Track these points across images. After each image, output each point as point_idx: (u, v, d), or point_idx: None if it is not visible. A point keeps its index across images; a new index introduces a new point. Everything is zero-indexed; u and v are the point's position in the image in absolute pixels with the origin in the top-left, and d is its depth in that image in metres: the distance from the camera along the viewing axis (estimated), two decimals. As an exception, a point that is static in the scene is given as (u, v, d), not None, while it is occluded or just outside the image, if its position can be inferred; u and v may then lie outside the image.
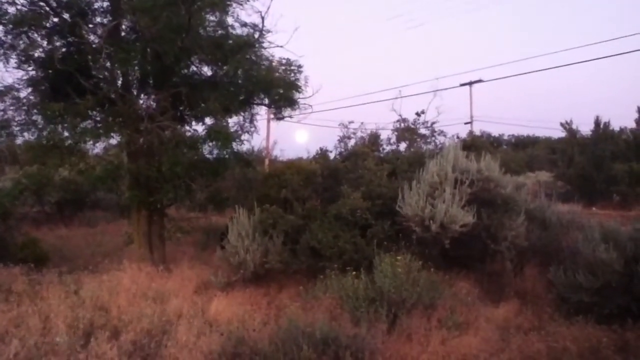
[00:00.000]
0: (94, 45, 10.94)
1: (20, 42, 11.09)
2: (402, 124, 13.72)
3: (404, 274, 8.33)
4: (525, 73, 33.36)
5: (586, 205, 18.91)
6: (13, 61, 11.21)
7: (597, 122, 30.28)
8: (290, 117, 14.10)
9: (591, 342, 7.26)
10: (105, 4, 11.78)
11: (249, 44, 11.88)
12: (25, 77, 11.63)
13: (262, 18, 11.69)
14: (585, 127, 32.17)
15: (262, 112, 16.75)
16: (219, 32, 11.89)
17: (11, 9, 10.70)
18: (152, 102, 11.91)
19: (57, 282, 9.45)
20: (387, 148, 13.69)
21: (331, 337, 6.32)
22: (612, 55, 23.97)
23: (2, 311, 7.84)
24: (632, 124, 31.32)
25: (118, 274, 9.91)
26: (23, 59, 11.25)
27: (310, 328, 6.51)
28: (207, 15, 11.59)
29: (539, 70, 35.65)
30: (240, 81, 12.12)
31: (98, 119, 11.72)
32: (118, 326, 7.44)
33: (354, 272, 8.79)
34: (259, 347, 6.35)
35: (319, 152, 14.02)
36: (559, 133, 36.08)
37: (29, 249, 12.52)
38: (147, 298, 8.70)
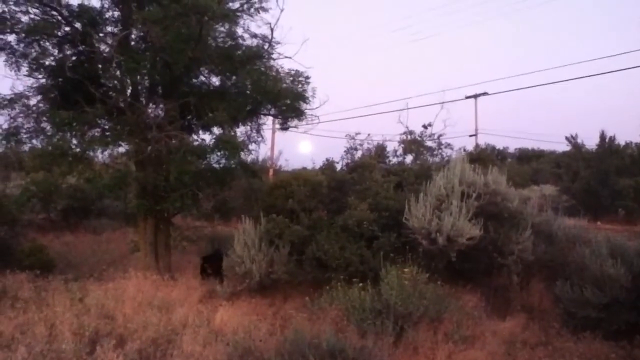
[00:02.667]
0: (104, 55, 11.02)
1: (32, 50, 11.19)
2: (409, 136, 13.73)
3: (410, 286, 8.32)
4: (530, 87, 33.46)
5: (591, 220, 18.87)
6: (24, 69, 11.30)
7: (602, 137, 30.32)
8: (297, 127, 14.17)
9: (599, 358, 7.26)
10: (116, 13, 11.90)
11: (258, 55, 11.97)
12: (35, 85, 11.71)
13: (272, 30, 11.80)
14: (591, 142, 32.22)
15: (267, 122, 16.79)
16: (229, 43, 11.98)
17: (24, 18, 10.82)
18: (160, 112, 11.97)
19: (63, 290, 9.48)
20: (394, 160, 13.70)
21: (338, 349, 6.30)
22: (618, 70, 24.03)
23: (8, 317, 7.87)
24: (637, 139, 31.35)
25: (123, 282, 9.93)
26: (34, 66, 11.34)
27: (316, 339, 6.49)
28: (218, 26, 11.69)
29: (544, 84, 35.52)
30: (248, 92, 12.19)
31: (106, 127, 11.78)
32: (124, 334, 7.44)
33: (360, 284, 8.77)
34: (265, 357, 6.35)
35: (326, 163, 14.04)
36: (564, 147, 36.10)
37: (35, 255, 12.56)
38: (153, 307, 8.69)
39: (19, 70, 11.22)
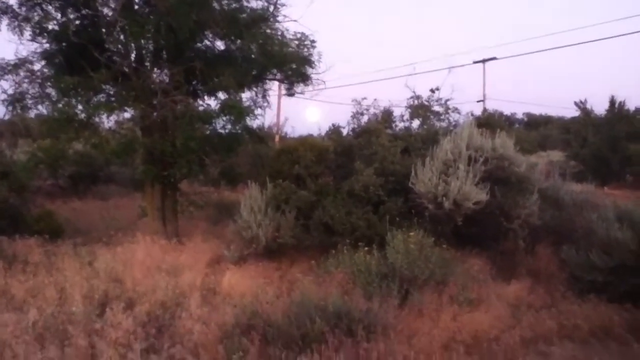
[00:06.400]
0: (107, 18, 10.90)
1: (35, 14, 11.08)
2: (416, 101, 13.55)
3: (416, 250, 8.36)
4: (539, 51, 32.94)
5: (599, 186, 18.77)
6: (27, 33, 11.21)
7: (612, 102, 29.95)
8: (302, 93, 14.06)
9: (603, 320, 7.31)
10: (119, -24, 11.70)
11: (263, 18, 11.79)
12: (39, 50, 11.64)
13: (277, -9, 11.60)
14: (600, 107, 31.81)
15: (273, 88, 16.65)
16: (234, 5, 11.77)
17: (26, -20, 10.69)
18: (165, 77, 11.90)
19: (72, 254, 9.58)
20: (401, 125, 13.55)
21: (344, 311, 6.38)
22: (627, 34, 23.49)
23: (19, 281, 7.98)
24: (648, 104, 30.91)
25: (132, 247, 10.02)
26: (37, 31, 11.23)
27: (323, 302, 6.58)
28: (222, -12, 11.49)
29: (553, 49, 35.09)
30: (253, 56, 12.05)
31: (111, 92, 11.74)
32: (132, 297, 7.53)
33: (366, 248, 8.82)
34: (272, 319, 6.42)
35: (332, 128, 13.96)
36: (572, 112, 35.68)
37: (44, 221, 12.65)
38: (161, 271, 8.79)
39: (22, 34, 11.13)
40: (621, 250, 8.23)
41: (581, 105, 32.08)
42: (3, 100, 11.25)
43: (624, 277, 8.05)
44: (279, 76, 13.47)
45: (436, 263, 8.26)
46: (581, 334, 7.08)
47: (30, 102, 11.56)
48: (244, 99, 12.70)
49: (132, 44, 11.47)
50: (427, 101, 13.55)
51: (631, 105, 30.35)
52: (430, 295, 7.66)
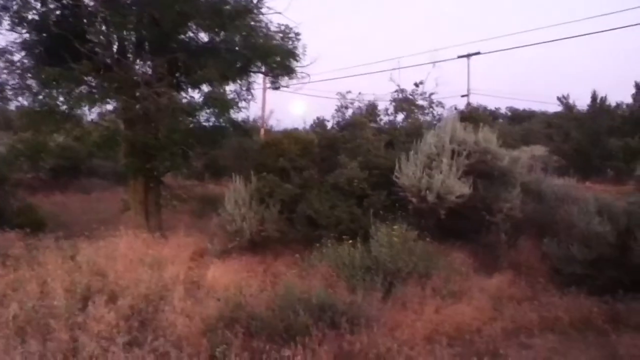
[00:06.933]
0: (89, 9, 10.73)
1: (13, 3, 10.85)
2: (400, 95, 13.60)
3: (399, 243, 8.41)
4: (523, 46, 33.09)
5: (580, 180, 18.99)
6: (6, 23, 10.98)
7: (593, 97, 30.31)
8: (287, 86, 14.00)
9: (582, 312, 7.43)
10: (101, -34, 11.52)
11: (247, 10, 11.69)
12: (19, 40, 11.43)
13: (260, -18, 11.51)
14: (582, 102, 32.20)
15: (258, 81, 16.55)
16: (217, -4, 11.67)
17: (4, -31, 10.48)
18: (148, 68, 11.76)
19: (54, 248, 9.40)
20: (385, 119, 13.61)
21: (327, 304, 6.41)
22: (609, 30, 23.79)
23: (-1, 275, 7.86)
24: (629, 100, 31.39)
25: (114, 241, 9.88)
26: (16, 20, 11.01)
27: (307, 295, 6.60)
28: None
29: (537, 44, 35.23)
30: (237, 48, 11.95)
31: (93, 84, 11.57)
32: (115, 291, 7.43)
33: (350, 241, 8.84)
34: (256, 312, 6.42)
35: (316, 121, 13.98)
36: (555, 107, 36.03)
37: (25, 214, 12.51)
38: (144, 264, 8.69)
39: (0, 24, 10.92)
40: (600, 243, 8.36)
41: (564, 100, 32.43)
42: (-19, 91, 11.06)
43: (603, 270, 8.19)
44: (263, 69, 13.37)
45: (419, 256, 8.31)
46: (561, 326, 7.20)
47: (10, 93, 11.39)
48: (228, 92, 12.62)
49: (114, 35, 11.30)
50: (411, 95, 13.61)
51: (612, 101, 30.77)
52: (413, 288, 7.71)
